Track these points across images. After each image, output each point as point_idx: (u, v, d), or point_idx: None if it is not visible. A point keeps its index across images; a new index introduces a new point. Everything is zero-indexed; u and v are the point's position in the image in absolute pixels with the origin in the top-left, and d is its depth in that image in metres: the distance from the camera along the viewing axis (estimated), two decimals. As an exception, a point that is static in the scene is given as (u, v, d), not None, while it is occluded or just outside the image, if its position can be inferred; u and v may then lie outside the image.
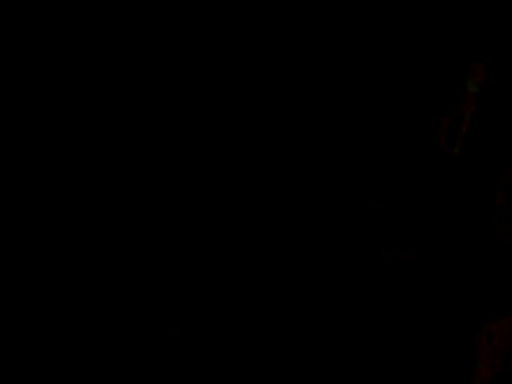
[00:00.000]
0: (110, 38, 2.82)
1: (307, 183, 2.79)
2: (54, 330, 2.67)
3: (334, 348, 2.64)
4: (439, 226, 2.60)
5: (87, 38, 2.82)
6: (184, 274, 2.78)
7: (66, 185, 2.82)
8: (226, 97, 2.85)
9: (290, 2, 2.80)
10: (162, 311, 2.73)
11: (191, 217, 2.82)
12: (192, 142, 2.86)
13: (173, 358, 2.66)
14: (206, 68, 2.84)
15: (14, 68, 2.81)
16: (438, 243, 2.59)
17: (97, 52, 2.83)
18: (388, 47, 2.75)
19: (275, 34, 2.82)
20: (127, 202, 2.83)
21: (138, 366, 2.64)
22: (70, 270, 2.76)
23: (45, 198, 2.81)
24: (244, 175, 2.83)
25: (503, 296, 2.10)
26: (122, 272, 2.77)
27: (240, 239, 2.80)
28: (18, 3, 2.78)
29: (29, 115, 2.83)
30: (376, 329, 2.63)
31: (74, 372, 2.60)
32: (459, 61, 2.29)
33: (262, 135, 2.85)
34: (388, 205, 2.70)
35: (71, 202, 2.81)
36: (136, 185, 2.84)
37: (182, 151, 2.85)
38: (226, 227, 2.80)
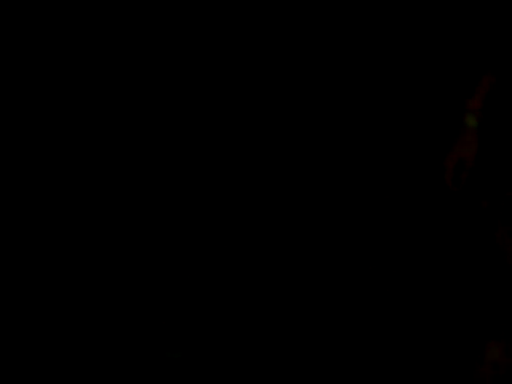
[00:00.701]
0: (110, 38, 2.81)
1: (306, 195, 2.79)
2: (54, 331, 2.68)
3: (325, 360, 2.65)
4: (445, 249, 2.60)
5: (87, 38, 2.81)
6: (183, 274, 2.78)
7: (66, 185, 2.82)
8: (225, 97, 2.84)
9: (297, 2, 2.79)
10: (162, 312, 2.74)
11: (191, 217, 2.82)
12: (192, 142, 2.85)
13: (172, 358, 2.68)
14: (205, 68, 2.83)
15: (14, 68, 2.80)
16: (443, 265, 2.59)
17: (97, 52, 2.81)
18: (387, 82, 2.74)
19: (275, 34, 2.80)
20: (127, 201, 2.83)
21: (137, 366, 2.65)
22: (69, 270, 2.77)
23: (45, 198, 2.81)
24: (242, 176, 2.83)
25: (507, 320, 2.08)
26: (122, 273, 2.77)
27: (237, 242, 2.80)
28: (18, 3, 2.77)
29: (29, 115, 2.83)
30: (379, 351, 2.63)
31: (74, 372, 2.61)
32: (457, 98, 2.24)
33: (260, 136, 2.84)
34: (394, 229, 2.71)
35: (71, 202, 2.81)
36: (136, 185, 2.83)
37: (182, 151, 2.85)
38: (221, 236, 2.81)
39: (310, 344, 2.67)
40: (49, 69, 2.81)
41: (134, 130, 2.84)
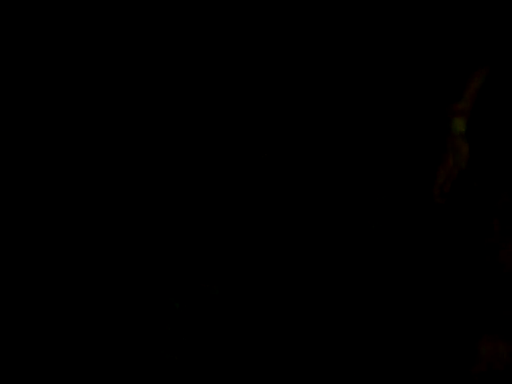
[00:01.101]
0: (111, 38, 2.81)
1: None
2: (52, 330, 2.68)
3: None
4: (440, 250, 2.59)
5: (87, 38, 2.80)
6: (183, 274, 2.78)
7: (66, 185, 2.82)
8: (225, 97, 2.84)
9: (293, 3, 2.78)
10: (162, 312, 2.74)
11: (191, 217, 2.82)
12: (192, 143, 2.85)
13: (172, 358, 2.68)
14: (206, 69, 2.83)
15: (14, 68, 2.80)
16: (437, 265, 2.59)
17: (97, 52, 2.81)
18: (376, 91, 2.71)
19: (275, 34, 2.80)
20: (126, 201, 2.83)
21: (137, 366, 2.65)
22: (68, 270, 2.76)
23: (45, 198, 2.81)
24: (240, 177, 2.83)
25: (501, 316, 2.06)
26: (121, 272, 2.77)
27: (235, 241, 2.80)
28: (18, 3, 2.77)
29: (29, 115, 2.82)
30: (372, 349, 2.62)
31: (73, 372, 2.61)
32: (442, 101, 2.10)
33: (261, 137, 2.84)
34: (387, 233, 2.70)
35: (70, 202, 2.81)
36: (135, 184, 2.83)
37: (182, 151, 2.85)
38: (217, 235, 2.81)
39: (307, 342, 2.67)
40: (48, 69, 2.81)
41: (134, 129, 2.83)
